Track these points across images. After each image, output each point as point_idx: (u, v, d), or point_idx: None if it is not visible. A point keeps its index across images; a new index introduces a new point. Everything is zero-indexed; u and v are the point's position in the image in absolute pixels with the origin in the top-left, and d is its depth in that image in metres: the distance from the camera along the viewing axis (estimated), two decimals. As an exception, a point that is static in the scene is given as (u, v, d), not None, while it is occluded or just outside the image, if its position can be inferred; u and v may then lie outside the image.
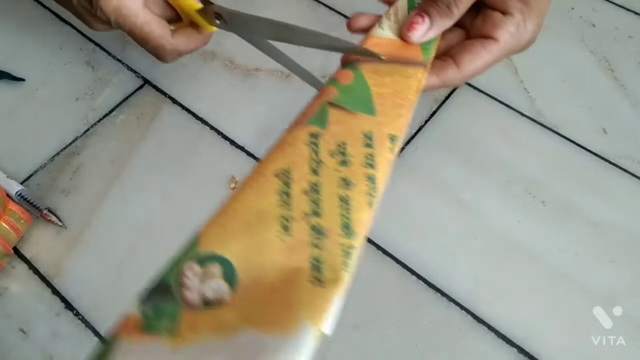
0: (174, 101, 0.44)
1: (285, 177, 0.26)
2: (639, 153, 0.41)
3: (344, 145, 0.27)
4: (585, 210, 0.39)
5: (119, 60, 0.47)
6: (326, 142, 0.27)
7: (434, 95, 0.44)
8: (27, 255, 0.37)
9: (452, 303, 0.35)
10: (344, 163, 0.26)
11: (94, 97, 0.45)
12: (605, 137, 0.42)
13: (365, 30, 0.34)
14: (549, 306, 0.35)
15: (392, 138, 0.28)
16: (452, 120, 0.43)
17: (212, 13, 0.34)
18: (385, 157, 0.27)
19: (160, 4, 0.36)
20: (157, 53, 0.36)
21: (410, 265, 0.36)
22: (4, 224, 0.36)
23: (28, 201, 0.38)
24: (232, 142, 0.42)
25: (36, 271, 0.37)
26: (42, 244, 0.38)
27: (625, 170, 0.40)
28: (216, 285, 0.22)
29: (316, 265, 0.23)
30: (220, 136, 0.42)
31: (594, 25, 0.49)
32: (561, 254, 0.37)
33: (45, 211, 0.38)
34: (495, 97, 0.44)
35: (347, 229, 0.24)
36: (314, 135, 0.28)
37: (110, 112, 0.44)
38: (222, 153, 0.42)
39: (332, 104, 0.29)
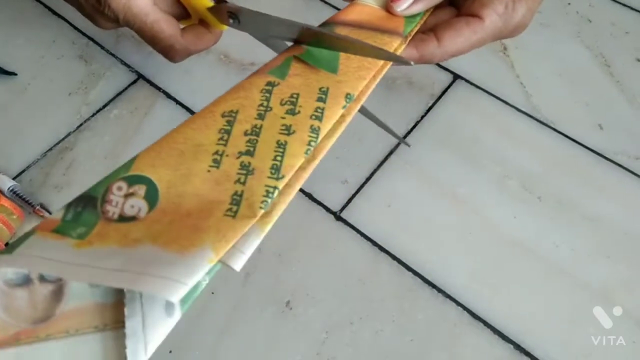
0: (168, 96, 0.44)
1: (230, 117, 0.26)
2: (634, 149, 0.41)
3: (297, 96, 0.28)
4: (581, 206, 0.38)
5: (113, 55, 0.46)
6: (280, 91, 0.28)
7: (430, 91, 0.44)
8: (20, 251, 0.37)
9: (447, 299, 0.35)
10: (291, 112, 0.27)
11: (87, 92, 0.44)
12: (602, 133, 0.42)
13: None
14: (545, 302, 0.35)
15: (348, 97, 0.28)
16: (448, 115, 0.43)
17: (225, 12, 0.33)
18: (336, 112, 0.27)
19: (169, 1, 0.35)
20: (167, 53, 0.36)
21: (405, 261, 0.36)
22: (-5, 219, 0.35)
23: (20, 197, 0.38)
24: (227, 137, 0.42)
25: (29, 267, 0.36)
26: (34, 240, 0.37)
27: (621, 166, 0.40)
28: (136, 203, 0.24)
29: (236, 200, 0.24)
30: (215, 131, 0.42)
31: (590, 21, 0.49)
32: (557, 249, 0.37)
33: (38, 207, 0.37)
34: (492, 92, 0.44)
35: (276, 171, 0.24)
36: (271, 84, 0.28)
37: (104, 106, 0.43)
38: (216, 148, 0.41)
39: (297, 58, 0.29)
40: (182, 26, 0.36)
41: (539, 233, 0.37)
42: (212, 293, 0.35)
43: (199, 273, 0.21)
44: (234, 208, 0.23)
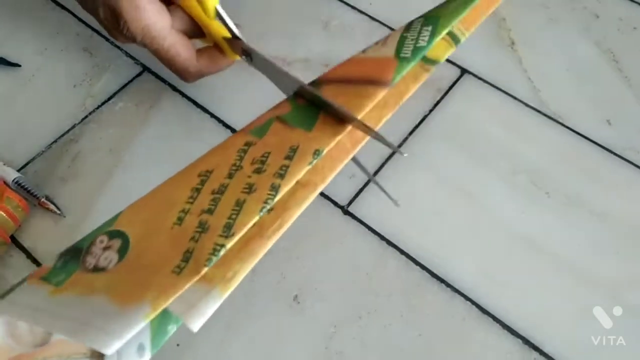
0: (174, 88, 0.44)
1: (205, 177, 0.28)
2: (643, 145, 0.41)
3: (267, 155, 0.28)
4: (589, 202, 0.38)
5: (117, 47, 0.46)
6: (255, 150, 0.29)
7: (437, 85, 0.44)
8: (25, 244, 0.36)
9: (456, 294, 0.35)
10: (258, 170, 0.27)
11: (91, 84, 0.44)
12: (610, 129, 0.42)
13: None
14: (553, 297, 0.35)
15: (317, 153, 0.28)
16: (456, 110, 0.43)
17: (239, 48, 0.34)
18: (301, 169, 0.27)
19: (186, 20, 0.36)
20: (180, 74, 0.37)
21: (413, 256, 0.36)
22: (1, 212, 0.35)
23: (25, 189, 0.37)
24: (233, 131, 0.41)
25: (34, 260, 0.36)
26: (40, 233, 0.37)
27: (629, 161, 0.40)
28: (109, 256, 0.25)
29: (186, 257, 0.24)
30: (221, 124, 0.42)
31: (598, 17, 0.48)
32: (566, 245, 0.37)
33: (43, 199, 0.37)
34: (499, 87, 0.44)
35: (227, 229, 0.25)
36: (248, 144, 0.29)
37: (109, 99, 0.43)
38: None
39: (279, 118, 0.30)
40: (198, 46, 0.37)
41: (547, 228, 0.37)
42: (219, 287, 0.35)
43: (133, 327, 0.22)
44: (182, 265, 0.24)
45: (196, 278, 0.24)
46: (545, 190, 0.39)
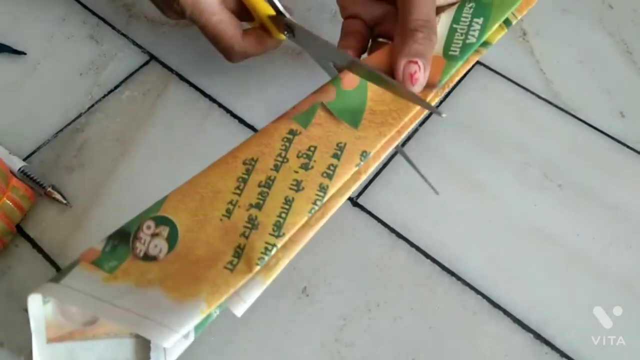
0: (181, 77, 0.43)
1: (250, 166, 0.27)
2: (657, 137, 0.40)
3: (314, 149, 0.28)
4: (602, 194, 0.38)
5: (124, 35, 0.45)
6: (300, 141, 0.28)
7: (448, 76, 0.43)
8: (31, 234, 0.36)
9: (467, 287, 0.34)
10: (304, 166, 0.27)
11: (98, 72, 0.43)
12: (623, 121, 0.41)
13: (360, 51, 0.35)
14: (565, 291, 0.34)
15: (364, 154, 0.28)
16: (467, 101, 0.42)
17: (283, 24, 0.34)
18: (348, 171, 0.27)
19: (235, 2, 0.35)
20: (226, 52, 0.36)
21: (424, 248, 0.36)
22: (7, 200, 0.34)
23: (31, 178, 0.37)
24: (241, 121, 0.41)
25: (40, 250, 0.36)
26: (46, 223, 0.37)
27: (643, 154, 0.40)
28: (159, 244, 0.26)
29: (238, 253, 0.25)
30: (229, 114, 0.41)
31: (612, 7, 0.48)
32: (578, 238, 0.36)
33: (49, 188, 0.37)
34: (511, 78, 0.43)
35: (278, 228, 0.25)
36: (292, 132, 0.29)
37: (115, 87, 0.43)
38: (230, 131, 0.40)
39: (323, 106, 0.30)
40: (246, 27, 0.36)
41: (559, 221, 0.37)
42: (228, 278, 0.34)
43: (190, 323, 0.23)
44: (235, 261, 0.24)
45: (249, 277, 0.24)
46: (558, 183, 0.38)
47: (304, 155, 0.28)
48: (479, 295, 0.34)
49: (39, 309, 0.26)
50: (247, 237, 0.25)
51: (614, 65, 0.44)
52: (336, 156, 0.28)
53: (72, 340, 0.27)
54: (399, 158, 0.39)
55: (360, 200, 0.37)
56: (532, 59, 0.44)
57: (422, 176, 0.34)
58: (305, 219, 0.26)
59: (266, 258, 0.24)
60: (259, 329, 0.33)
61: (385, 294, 0.34)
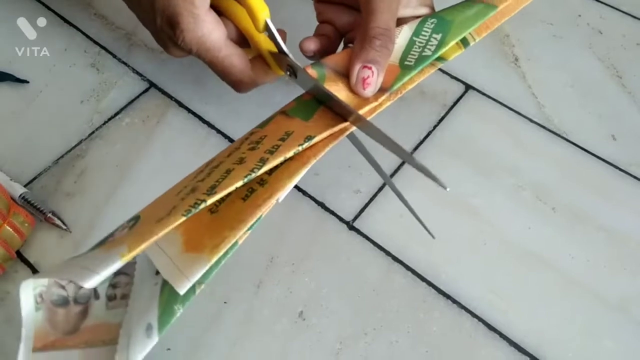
0: (180, 104, 0.44)
1: (211, 161, 0.30)
2: (648, 160, 0.41)
3: (263, 137, 0.30)
4: (595, 217, 0.38)
5: (125, 63, 0.46)
6: (255, 135, 0.30)
7: (441, 101, 0.44)
8: (31, 260, 0.36)
9: (463, 310, 0.35)
10: (252, 149, 0.29)
11: (99, 100, 0.44)
12: (615, 144, 0.42)
13: (318, 53, 0.37)
14: (560, 313, 0.35)
15: (308, 138, 0.29)
16: (461, 125, 0.43)
17: (285, 64, 0.34)
18: (290, 148, 0.29)
19: (233, 29, 0.36)
20: (235, 85, 0.37)
21: (419, 272, 0.36)
22: (7, 227, 0.35)
23: (32, 204, 0.37)
24: (239, 146, 0.42)
25: (39, 275, 0.36)
26: (45, 248, 0.37)
27: (635, 177, 0.40)
28: (123, 231, 0.27)
29: (170, 211, 0.26)
30: (226, 140, 0.42)
31: (601, 33, 0.49)
32: (572, 260, 0.36)
33: (49, 214, 0.37)
34: (504, 102, 0.44)
35: (211, 189, 0.26)
36: (251, 132, 0.31)
37: (116, 115, 0.43)
38: (228, 157, 0.41)
39: (282, 112, 0.32)
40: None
41: (553, 244, 0.37)
42: (225, 302, 0.35)
43: (110, 266, 0.24)
44: (164, 216, 0.25)
45: (172, 226, 0.24)
46: (551, 206, 0.39)
47: (254, 142, 0.30)
48: (474, 319, 0.34)
49: (32, 315, 0.28)
50: (182, 199, 0.26)
51: (604, 90, 0.45)
52: (282, 139, 0.29)
53: (53, 349, 0.28)
54: (394, 182, 0.40)
55: (356, 224, 0.38)
56: (524, 83, 0.45)
57: (418, 218, 0.34)
58: (240, 182, 0.26)
59: (193, 211, 0.25)
60: (254, 353, 0.33)
61: (381, 317, 0.34)
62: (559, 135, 0.42)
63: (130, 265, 0.30)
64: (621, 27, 0.49)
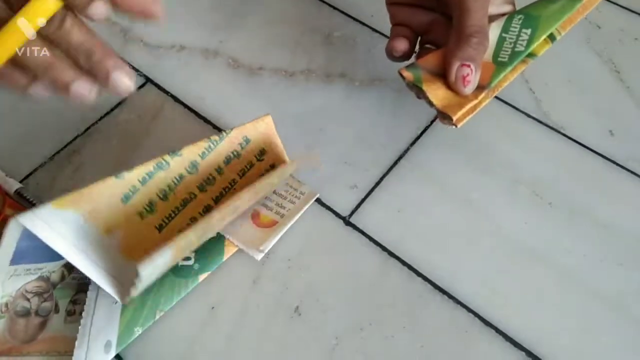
0: (176, 100, 0.44)
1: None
2: (646, 155, 0.41)
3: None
4: (592, 212, 0.38)
5: (120, 58, 0.46)
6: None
7: (439, 96, 0.44)
8: (26, 255, 0.36)
9: (458, 305, 0.35)
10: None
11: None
12: (612, 139, 0.42)
13: (407, 54, 0.37)
14: (557, 309, 0.35)
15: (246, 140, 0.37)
16: (458, 120, 0.43)
17: None
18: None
19: None
20: None
21: (415, 267, 0.36)
22: (3, 222, 0.35)
23: (27, 200, 0.37)
24: (235, 142, 0.41)
25: (35, 271, 0.36)
26: (41, 244, 0.37)
27: (632, 172, 0.40)
28: None
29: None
30: (223, 135, 0.42)
31: (599, 27, 0.49)
32: (569, 255, 0.36)
33: (44, 210, 0.37)
34: (501, 97, 0.44)
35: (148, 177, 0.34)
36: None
37: (112, 110, 0.43)
38: (224, 152, 0.41)
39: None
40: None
41: (550, 239, 0.37)
42: (221, 298, 0.35)
43: (60, 220, 0.30)
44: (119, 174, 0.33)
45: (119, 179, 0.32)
46: (548, 201, 0.39)
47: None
48: (470, 314, 0.34)
49: None
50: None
51: (602, 85, 0.45)
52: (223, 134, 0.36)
53: (9, 356, 0.31)
54: (390, 177, 0.40)
55: (352, 220, 0.38)
56: (521, 78, 0.45)
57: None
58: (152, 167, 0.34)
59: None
60: (250, 349, 0.33)
61: (377, 312, 0.34)
62: (556, 130, 0.42)
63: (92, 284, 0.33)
64: (619, 22, 0.49)
